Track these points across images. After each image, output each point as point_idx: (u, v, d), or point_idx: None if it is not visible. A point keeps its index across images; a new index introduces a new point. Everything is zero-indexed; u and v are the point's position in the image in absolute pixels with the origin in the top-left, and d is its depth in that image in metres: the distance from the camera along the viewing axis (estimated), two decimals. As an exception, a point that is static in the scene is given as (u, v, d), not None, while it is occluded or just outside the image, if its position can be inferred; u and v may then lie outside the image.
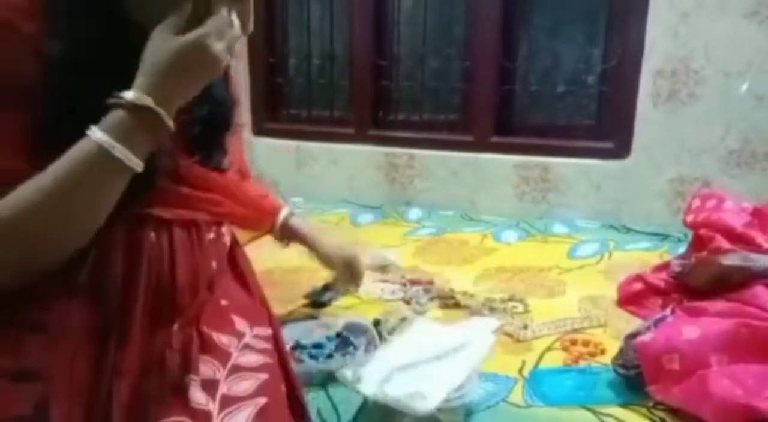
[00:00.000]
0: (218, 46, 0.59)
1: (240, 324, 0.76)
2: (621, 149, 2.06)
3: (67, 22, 0.59)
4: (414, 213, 2.25)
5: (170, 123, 0.59)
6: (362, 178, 2.44)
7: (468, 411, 0.93)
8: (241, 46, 2.42)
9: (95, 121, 0.57)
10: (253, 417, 0.66)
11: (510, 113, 2.29)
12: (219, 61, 0.60)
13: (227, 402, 0.66)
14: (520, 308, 1.37)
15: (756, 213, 1.31)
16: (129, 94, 0.56)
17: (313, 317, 1.22)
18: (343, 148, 2.45)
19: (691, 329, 0.99)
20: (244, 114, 2.44)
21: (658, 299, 1.32)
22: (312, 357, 1.06)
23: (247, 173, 1.01)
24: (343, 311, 1.30)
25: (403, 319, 1.22)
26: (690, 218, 1.38)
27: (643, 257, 1.71)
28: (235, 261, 0.84)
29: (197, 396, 0.64)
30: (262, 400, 0.68)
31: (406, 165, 2.36)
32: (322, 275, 1.29)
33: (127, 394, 0.61)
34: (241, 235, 0.91)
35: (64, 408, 0.58)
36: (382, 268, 1.62)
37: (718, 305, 1.09)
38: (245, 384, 0.69)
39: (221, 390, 0.67)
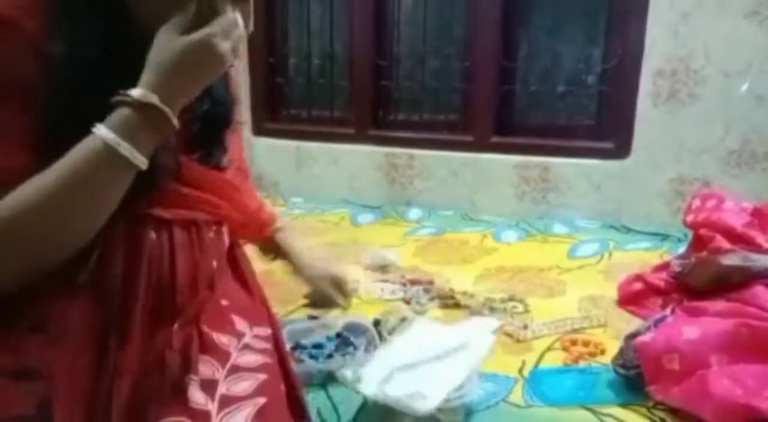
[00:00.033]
0: (224, 46, 0.59)
1: (240, 324, 0.76)
2: (621, 149, 2.06)
3: (70, 20, 0.59)
4: (414, 213, 2.25)
5: (175, 121, 0.59)
6: (362, 178, 2.43)
7: (468, 411, 0.93)
8: (241, 46, 2.42)
9: (98, 120, 0.56)
10: (252, 417, 0.66)
11: (510, 113, 2.29)
12: (225, 60, 0.60)
13: (226, 402, 0.66)
14: (520, 308, 1.37)
15: (756, 213, 1.31)
16: (135, 92, 0.57)
17: (313, 317, 1.22)
18: (343, 148, 2.45)
19: (691, 329, 1.00)
20: (244, 114, 2.44)
21: (658, 299, 1.33)
22: (312, 357, 1.06)
23: (246, 171, 1.01)
24: (343, 311, 1.30)
25: (403, 319, 1.23)
26: (690, 218, 1.38)
27: (643, 257, 1.71)
28: (235, 261, 0.84)
29: (196, 396, 0.64)
30: (261, 400, 0.68)
31: (406, 165, 2.36)
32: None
33: (127, 394, 0.61)
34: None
35: (66, 407, 0.58)
36: (382, 268, 1.62)
37: (718, 305, 1.09)
38: (244, 384, 0.69)
39: (220, 390, 0.66)
